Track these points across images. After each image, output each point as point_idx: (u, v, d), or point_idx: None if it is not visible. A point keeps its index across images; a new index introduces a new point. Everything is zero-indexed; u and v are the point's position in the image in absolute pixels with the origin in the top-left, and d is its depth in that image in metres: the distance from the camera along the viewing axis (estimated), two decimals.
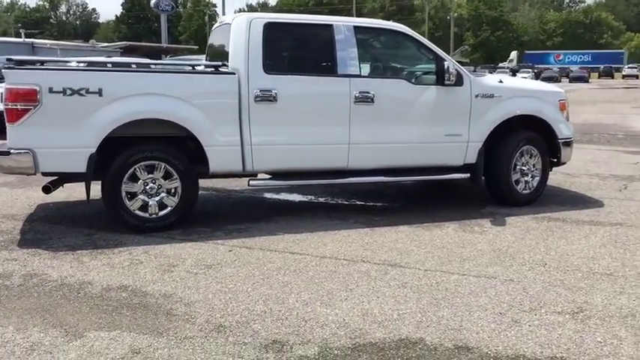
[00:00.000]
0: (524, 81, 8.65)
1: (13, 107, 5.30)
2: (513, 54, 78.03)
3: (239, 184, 7.76)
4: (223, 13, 46.13)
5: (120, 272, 4.67)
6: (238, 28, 5.94)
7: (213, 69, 5.95)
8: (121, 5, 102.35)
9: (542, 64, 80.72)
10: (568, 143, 7.00)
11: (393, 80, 6.57)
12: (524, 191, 6.82)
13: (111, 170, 5.56)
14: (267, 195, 7.54)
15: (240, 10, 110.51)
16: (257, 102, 5.80)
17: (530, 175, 6.85)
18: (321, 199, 7.34)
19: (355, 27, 6.24)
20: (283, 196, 7.54)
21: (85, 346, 3.45)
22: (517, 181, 6.78)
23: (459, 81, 6.36)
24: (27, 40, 53.88)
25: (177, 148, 5.78)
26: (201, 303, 4.07)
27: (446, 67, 6.19)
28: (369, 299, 4.14)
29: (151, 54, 44.21)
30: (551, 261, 4.96)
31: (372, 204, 7.13)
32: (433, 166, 6.56)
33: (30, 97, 5.27)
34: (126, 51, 43.43)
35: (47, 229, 5.90)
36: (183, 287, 4.36)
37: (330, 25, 6.16)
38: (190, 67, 6.37)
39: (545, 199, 7.06)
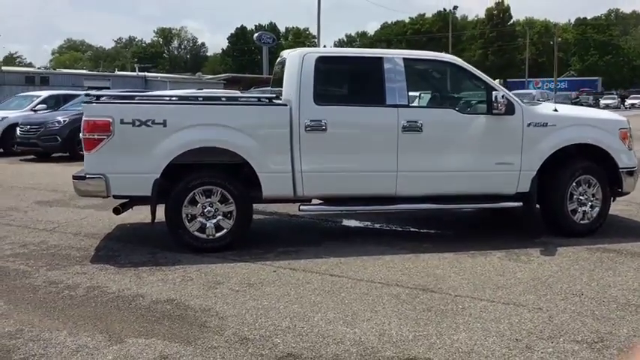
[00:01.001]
0: (581, 109, 8.48)
1: (90, 137, 5.93)
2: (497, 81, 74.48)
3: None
4: (319, 44, 47.38)
5: (171, 287, 5.10)
6: (292, 62, 6.34)
7: (267, 101, 6.36)
8: (227, 39, 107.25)
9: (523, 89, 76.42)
10: (631, 173, 6.82)
11: (441, 110, 6.73)
12: (582, 221, 6.71)
13: (173, 194, 6.06)
14: (323, 220, 7.83)
15: (339, 41, 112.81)
16: (307, 131, 6.15)
17: (589, 205, 6.74)
18: (376, 226, 7.54)
19: (405, 59, 6.47)
20: (339, 221, 7.79)
21: (122, 350, 3.86)
22: (574, 211, 6.69)
23: (510, 110, 6.41)
24: (140, 73, 57.80)
25: (233, 174, 6.21)
26: (234, 317, 4.40)
27: (495, 96, 6.27)
28: (390, 320, 4.32)
29: (252, 84, 46.09)
30: (589, 291, 4.91)
31: (425, 231, 7.26)
32: (484, 195, 6.60)
33: (104, 128, 5.88)
34: (229, 82, 45.46)
35: (119, 247, 6.48)
36: (222, 302, 4.71)
37: (380, 58, 6.43)
38: (247, 99, 6.81)
39: (607, 229, 6.90)
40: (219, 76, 55.98)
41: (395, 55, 6.51)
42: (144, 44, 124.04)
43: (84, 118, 5.97)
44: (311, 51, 6.48)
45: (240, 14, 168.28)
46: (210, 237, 6.16)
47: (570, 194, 6.64)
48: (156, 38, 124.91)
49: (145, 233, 7.01)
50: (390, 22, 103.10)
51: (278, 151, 6.16)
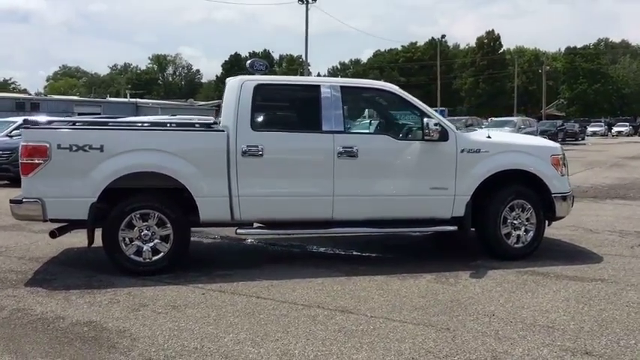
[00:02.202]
0: (514, 136, 8.68)
1: (28, 162, 6.06)
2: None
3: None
4: (308, 72, 48.00)
5: (95, 309, 5.19)
6: (231, 89, 6.52)
7: (205, 127, 6.51)
8: (222, 66, 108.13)
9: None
10: (564, 198, 6.98)
11: (377, 136, 6.91)
12: (516, 245, 6.85)
13: (110, 218, 6.18)
14: (270, 244, 7.93)
15: (333, 69, 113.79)
16: (244, 157, 6.29)
17: (522, 229, 6.88)
18: (321, 250, 7.64)
19: (342, 87, 6.66)
20: (285, 245, 7.90)
21: None
22: (508, 235, 6.83)
23: (444, 136, 6.59)
24: (132, 99, 58.17)
25: (172, 198, 6.33)
26: (146, 339, 4.49)
27: (426, 123, 6.44)
28: (298, 340, 4.42)
29: None
30: (501, 312, 5.03)
31: (366, 254, 7.37)
32: (420, 219, 6.74)
33: (41, 153, 6.02)
34: (221, 108, 45.62)
35: (58, 270, 6.57)
36: (140, 324, 4.80)
37: (318, 86, 6.61)
38: (185, 125, 6.97)
39: (543, 253, 7.04)
40: (211, 102, 56.36)
41: (332, 82, 6.70)
42: (138, 71, 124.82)
43: (22, 143, 6.11)
44: (250, 78, 6.66)
45: (235, 41, 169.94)
46: (147, 260, 6.26)
47: (504, 218, 6.79)
48: (151, 65, 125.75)
49: (88, 257, 7.09)
50: (383, 50, 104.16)
51: (215, 175, 6.30)
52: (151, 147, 6.23)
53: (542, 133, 43.61)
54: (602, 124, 65.57)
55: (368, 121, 7.39)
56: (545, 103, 76.64)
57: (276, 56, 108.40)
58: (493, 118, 39.09)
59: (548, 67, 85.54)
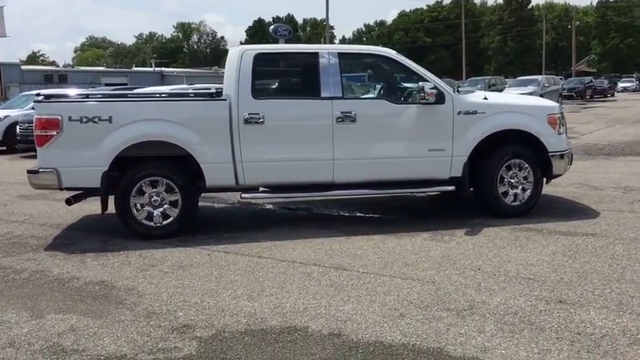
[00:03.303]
0: (511, 97, 8.77)
1: (41, 134, 6.42)
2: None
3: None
4: (325, 39, 47.66)
5: (107, 270, 5.58)
6: (232, 59, 6.76)
7: (208, 96, 6.79)
8: (245, 32, 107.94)
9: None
10: (562, 156, 7.12)
11: (374, 101, 7.12)
12: (513, 203, 7.05)
13: (121, 185, 6.54)
14: (279, 208, 8.25)
15: (357, 31, 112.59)
16: (246, 124, 6.57)
17: (520, 188, 7.06)
18: (325, 212, 7.94)
19: (340, 53, 6.85)
20: (292, 208, 8.21)
21: (38, 324, 4.34)
22: (505, 194, 7.02)
23: (440, 99, 6.77)
24: (157, 69, 58.62)
25: (178, 166, 6.65)
26: (151, 295, 4.86)
27: (422, 87, 6.61)
28: (290, 295, 4.74)
29: None
30: (488, 266, 5.28)
31: (369, 216, 7.65)
32: (419, 180, 6.97)
33: (54, 125, 6.37)
34: None
35: (76, 235, 6.99)
36: (147, 283, 5.17)
37: (316, 53, 6.82)
38: (187, 95, 7.24)
39: (541, 210, 7.23)
40: None
41: (330, 49, 6.90)
42: (164, 39, 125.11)
43: (35, 116, 6.48)
44: (249, 48, 6.89)
45: (260, 7, 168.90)
46: (158, 224, 6.62)
47: (501, 177, 6.98)
48: (175, 33, 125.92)
49: (104, 223, 7.49)
50: (408, 11, 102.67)
51: (219, 143, 6.59)
52: (157, 117, 6.54)
53: (570, 91, 43.13)
54: (634, 79, 63.99)
55: (363, 86, 7.57)
56: (575, 60, 75.10)
57: (299, 20, 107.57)
58: (519, 78, 38.54)
59: (578, 22, 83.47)
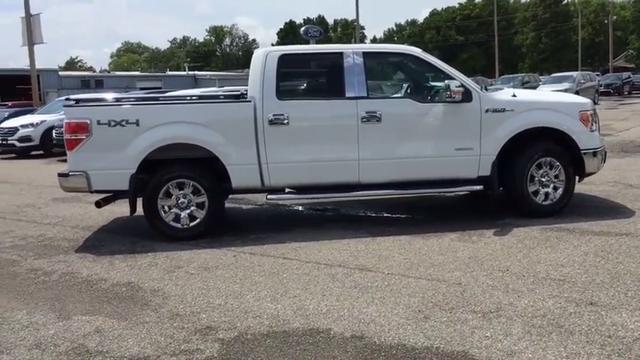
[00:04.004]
0: (541, 94, 8.58)
1: (71, 137, 6.52)
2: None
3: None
4: (356, 39, 47.51)
5: (134, 272, 5.63)
6: (256, 60, 6.77)
7: (233, 98, 6.81)
8: (277, 34, 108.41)
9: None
10: (594, 153, 6.95)
11: (399, 100, 7.04)
12: (544, 202, 6.90)
13: (148, 187, 6.60)
14: (304, 209, 8.23)
15: (389, 30, 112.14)
16: (271, 125, 6.56)
17: (551, 187, 6.91)
18: (352, 212, 7.89)
19: (364, 52, 6.80)
20: (319, 209, 8.17)
21: (65, 325, 4.39)
22: (536, 192, 6.87)
23: (467, 97, 6.66)
24: (190, 72, 59.35)
25: (204, 168, 6.68)
26: (176, 297, 4.88)
27: (449, 85, 6.52)
28: (314, 297, 4.71)
29: None
30: (516, 267, 5.16)
31: (396, 216, 7.57)
32: (447, 180, 6.87)
33: (83, 129, 6.47)
34: None
35: (106, 237, 7.08)
36: (173, 284, 5.20)
37: (340, 53, 6.78)
38: (214, 97, 7.27)
39: (573, 209, 7.06)
40: None
41: (354, 49, 6.85)
42: (197, 43, 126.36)
43: (65, 121, 6.58)
44: (274, 49, 6.90)
45: (291, 9, 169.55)
46: (185, 226, 6.67)
47: (531, 176, 6.84)
48: (208, 37, 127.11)
49: (134, 225, 7.57)
50: (439, 9, 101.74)
51: (244, 144, 6.60)
52: (183, 119, 6.58)
53: (607, 87, 42.18)
54: None
55: (388, 85, 7.50)
56: (613, 56, 73.45)
57: (330, 21, 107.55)
58: (554, 74, 37.85)
59: (615, 17, 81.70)
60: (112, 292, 5.08)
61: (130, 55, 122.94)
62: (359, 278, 5.11)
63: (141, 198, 6.73)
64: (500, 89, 7.92)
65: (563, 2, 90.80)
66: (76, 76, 51.20)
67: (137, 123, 6.49)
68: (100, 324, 4.38)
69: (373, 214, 7.72)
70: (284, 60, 6.74)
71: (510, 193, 6.96)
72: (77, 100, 6.73)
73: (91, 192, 6.75)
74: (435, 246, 5.99)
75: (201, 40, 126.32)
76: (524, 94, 7.26)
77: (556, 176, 6.92)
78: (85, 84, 47.43)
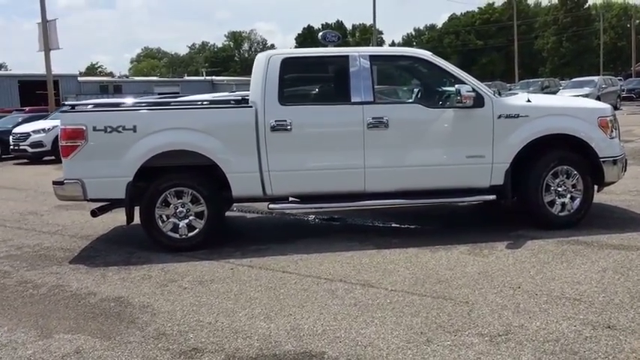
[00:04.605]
0: (557, 99, 8.21)
1: (67, 144, 6.30)
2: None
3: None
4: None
5: (126, 285, 5.37)
6: (258, 64, 6.50)
7: (233, 103, 6.55)
8: (295, 39, 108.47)
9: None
10: (614, 162, 6.57)
11: (407, 105, 6.74)
12: (560, 213, 6.54)
13: (145, 196, 6.35)
14: (310, 218, 7.93)
15: (407, 35, 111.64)
16: (273, 132, 6.28)
17: (568, 197, 6.55)
18: (359, 222, 7.58)
19: (371, 56, 6.51)
20: (325, 218, 7.86)
21: (45, 345, 4.14)
22: (552, 203, 6.52)
23: (479, 103, 6.33)
24: (207, 77, 59.52)
25: (204, 175, 6.42)
26: (165, 314, 4.61)
27: (460, 89, 6.19)
28: (310, 315, 4.41)
29: None
30: (529, 284, 4.82)
31: (405, 226, 7.24)
32: (457, 189, 6.55)
33: (79, 135, 6.24)
34: None
35: (103, 247, 6.85)
36: (164, 300, 4.93)
37: (346, 56, 6.49)
38: (215, 102, 7.01)
39: (592, 221, 6.70)
40: None
41: (360, 52, 6.55)
42: (215, 49, 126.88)
43: (60, 127, 6.36)
44: (277, 53, 6.62)
45: (309, 14, 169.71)
46: (183, 236, 6.41)
47: (547, 185, 6.48)
48: (227, 42, 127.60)
49: (133, 235, 7.30)
50: (459, 14, 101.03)
51: (245, 151, 6.33)
52: (182, 125, 6.33)
53: (630, 92, 41.34)
54: None
55: (396, 90, 7.19)
56: (635, 60, 72.33)
57: (349, 26, 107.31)
58: (574, 79, 37.19)
59: (638, 21, 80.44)
60: (99, 308, 4.83)
61: (150, 60, 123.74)
62: (360, 295, 4.80)
63: (138, 207, 6.47)
64: (515, 94, 7.56)
65: (585, 6, 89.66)
66: (95, 82, 51.58)
67: (134, 129, 6.25)
68: (81, 344, 4.12)
69: (381, 225, 7.40)
70: (287, 64, 6.46)
71: (525, 204, 6.61)
72: (73, 106, 6.51)
73: (87, 200, 6.52)
74: (444, 260, 5.66)
75: (219, 45, 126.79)
76: (539, 100, 6.91)
77: (573, 186, 6.56)
78: (104, 89, 47.74)
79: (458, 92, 6.19)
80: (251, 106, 6.36)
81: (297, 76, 6.70)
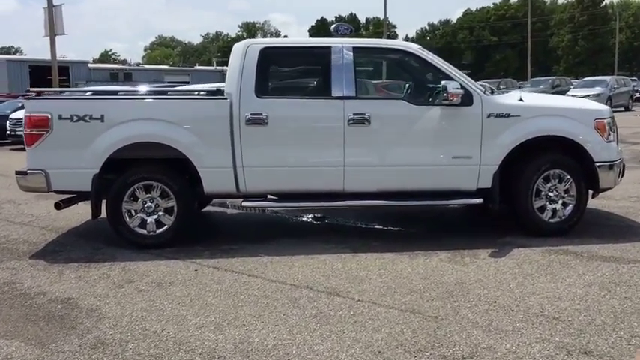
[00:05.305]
0: (551, 98, 7.78)
1: (31, 133, 5.98)
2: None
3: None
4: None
5: (80, 285, 5.05)
6: (235, 53, 6.15)
7: (207, 94, 6.20)
8: (308, 32, 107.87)
9: None
10: (610, 167, 6.17)
11: (391, 101, 6.37)
12: (551, 220, 6.15)
13: (112, 189, 6.03)
14: (292, 216, 7.58)
15: (421, 30, 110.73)
16: (248, 125, 5.94)
17: (560, 203, 6.16)
18: (340, 222, 7.22)
19: (355, 48, 6.14)
20: (306, 218, 7.51)
21: None
22: (542, 209, 6.13)
23: (468, 100, 5.95)
24: (218, 67, 59.25)
25: (175, 170, 6.09)
26: (111, 319, 4.29)
27: (446, 86, 5.81)
28: (265, 326, 4.08)
29: None
30: (506, 299, 4.45)
31: (387, 228, 6.89)
32: (442, 191, 6.17)
33: (43, 124, 5.92)
34: None
35: (70, 241, 6.54)
36: (115, 303, 4.61)
37: (328, 47, 6.13)
38: (187, 93, 6.68)
39: (586, 228, 6.32)
40: None
41: (344, 43, 6.19)
42: (229, 39, 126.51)
43: (24, 114, 6.04)
44: (255, 42, 6.26)
45: (325, 6, 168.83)
46: (151, 233, 6.09)
47: (537, 190, 6.10)
48: (240, 33, 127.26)
49: (105, 228, 6.98)
50: (474, 10, 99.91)
51: (218, 145, 5.99)
52: (152, 116, 6.00)
53: None
54: None
55: (380, 84, 6.80)
56: None
57: (362, 19, 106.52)
58: (586, 78, 36.53)
59: None
60: (44, 310, 4.51)
61: (163, 49, 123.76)
62: (323, 304, 4.46)
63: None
64: (508, 92, 7.16)
65: (602, 5, 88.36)
66: (106, 69, 51.46)
67: (102, 119, 5.92)
68: (11, 351, 3.80)
69: (364, 226, 7.04)
70: (266, 54, 6.10)
71: (513, 209, 6.22)
72: (39, 92, 6.18)
73: (50, 192, 6.21)
74: (421, 267, 5.30)
75: (233, 35, 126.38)
76: (532, 99, 6.51)
77: (566, 191, 6.16)
78: (114, 77, 47.62)
79: (444, 89, 5.81)
80: (226, 98, 6.01)
81: (276, 68, 6.35)
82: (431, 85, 6.26)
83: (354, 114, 5.94)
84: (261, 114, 5.93)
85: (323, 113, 6.02)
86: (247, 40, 6.29)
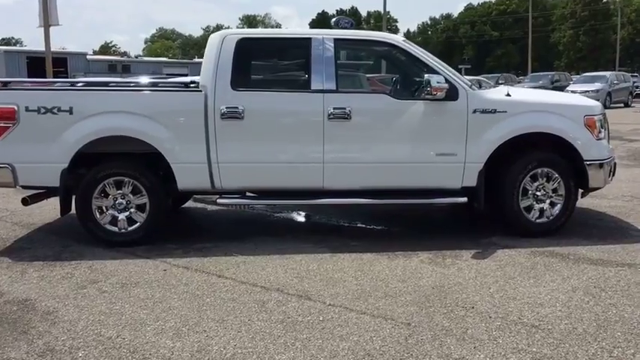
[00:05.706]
0: (540, 94, 7.51)
1: None
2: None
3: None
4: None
5: (41, 285, 4.82)
6: (211, 44, 5.91)
7: (182, 86, 5.96)
8: (309, 25, 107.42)
9: None
10: (600, 165, 5.92)
11: (373, 95, 6.14)
12: (538, 220, 5.92)
13: (82, 185, 5.79)
14: (273, 214, 7.34)
15: (423, 24, 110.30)
16: (223, 119, 5.69)
17: (548, 202, 5.92)
18: (322, 221, 6.99)
19: (336, 39, 5.89)
20: (287, 216, 7.27)
21: None
22: (529, 208, 5.89)
23: (452, 95, 5.71)
24: None
25: (147, 165, 5.85)
26: (66, 323, 4.06)
27: (430, 80, 5.55)
28: (226, 333, 3.85)
29: None
30: (485, 304, 4.22)
31: (370, 227, 6.65)
32: (426, 189, 5.93)
33: (9, 116, 5.67)
34: None
35: (40, 238, 6.31)
36: (73, 306, 4.37)
37: (308, 39, 5.88)
38: (160, 85, 6.43)
39: (574, 228, 6.09)
40: None
41: (324, 35, 5.93)
42: None
43: None
44: (232, 32, 6.01)
45: (326, 0, 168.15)
46: (123, 230, 5.86)
47: (524, 189, 5.86)
48: (241, 25, 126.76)
49: (79, 225, 6.78)
50: (475, 4, 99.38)
51: (192, 140, 5.75)
52: (123, 109, 5.76)
53: None
54: None
55: (362, 78, 6.53)
56: None
57: (363, 13, 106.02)
58: (585, 74, 36.19)
59: None
60: None
61: (164, 41, 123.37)
62: (292, 309, 4.22)
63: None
64: (495, 87, 6.90)
65: (604, 0, 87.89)
66: (104, 61, 51.08)
67: (70, 111, 5.68)
68: None
69: (346, 224, 6.80)
70: (243, 45, 5.86)
71: (499, 208, 5.98)
72: (5, 83, 5.94)
73: (17, 187, 5.98)
74: (399, 269, 5.06)
75: (234, 28, 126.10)
76: (520, 94, 6.27)
77: (554, 190, 5.93)
78: (112, 68, 47.28)
79: (427, 83, 5.56)
80: (200, 91, 5.76)
81: (253, 59, 6.10)
82: (416, 79, 6.00)
83: (334, 108, 5.70)
84: (238, 107, 5.69)
85: (302, 107, 5.78)
86: (224, 31, 6.03)
